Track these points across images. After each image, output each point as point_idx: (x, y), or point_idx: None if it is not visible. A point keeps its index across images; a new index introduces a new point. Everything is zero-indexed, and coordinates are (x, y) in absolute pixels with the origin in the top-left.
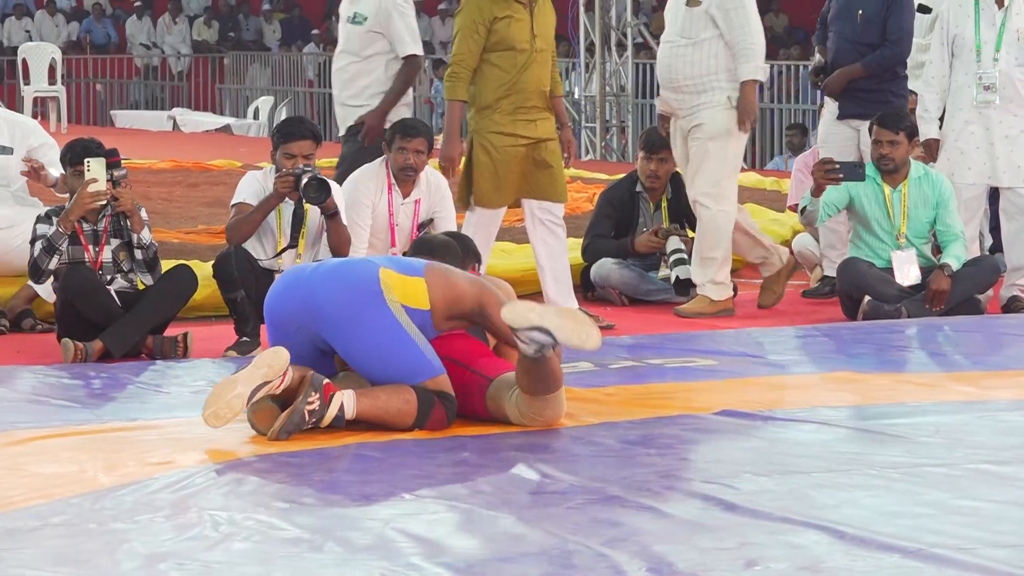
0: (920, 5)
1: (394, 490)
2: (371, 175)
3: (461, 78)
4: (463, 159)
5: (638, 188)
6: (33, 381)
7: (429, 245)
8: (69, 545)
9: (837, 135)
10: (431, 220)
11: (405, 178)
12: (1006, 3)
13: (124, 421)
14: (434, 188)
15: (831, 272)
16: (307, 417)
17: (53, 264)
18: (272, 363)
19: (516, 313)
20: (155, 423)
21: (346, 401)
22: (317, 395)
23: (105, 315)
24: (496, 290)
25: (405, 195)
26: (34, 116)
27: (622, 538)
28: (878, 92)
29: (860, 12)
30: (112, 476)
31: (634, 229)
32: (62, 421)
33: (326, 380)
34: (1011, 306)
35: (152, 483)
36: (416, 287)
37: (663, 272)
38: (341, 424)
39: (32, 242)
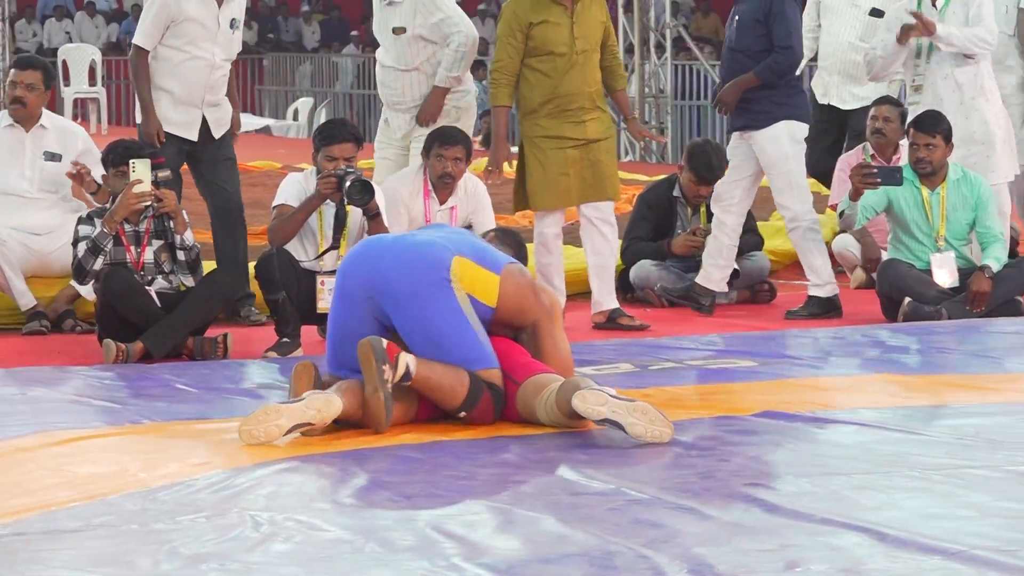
0: (873, 9)
1: (435, 491)
2: (406, 181)
3: (502, 84)
4: (515, 163)
5: (676, 192)
6: (74, 382)
7: (516, 238)
8: (110, 546)
9: (737, 149)
10: (469, 226)
11: (443, 186)
12: (939, 5)
13: (165, 421)
14: (471, 195)
15: (816, 292)
16: (389, 389)
17: (98, 264)
18: (323, 410)
19: (588, 405)
20: (196, 424)
21: (410, 363)
22: (388, 367)
23: (145, 317)
24: (557, 312)
25: (442, 202)
26: (74, 118)
27: (663, 539)
28: (755, 101)
29: (736, 19)
30: (153, 476)
31: (672, 232)
32: (103, 422)
33: (386, 343)
34: None
35: (193, 484)
36: (489, 282)
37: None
38: (407, 381)
39: (74, 243)
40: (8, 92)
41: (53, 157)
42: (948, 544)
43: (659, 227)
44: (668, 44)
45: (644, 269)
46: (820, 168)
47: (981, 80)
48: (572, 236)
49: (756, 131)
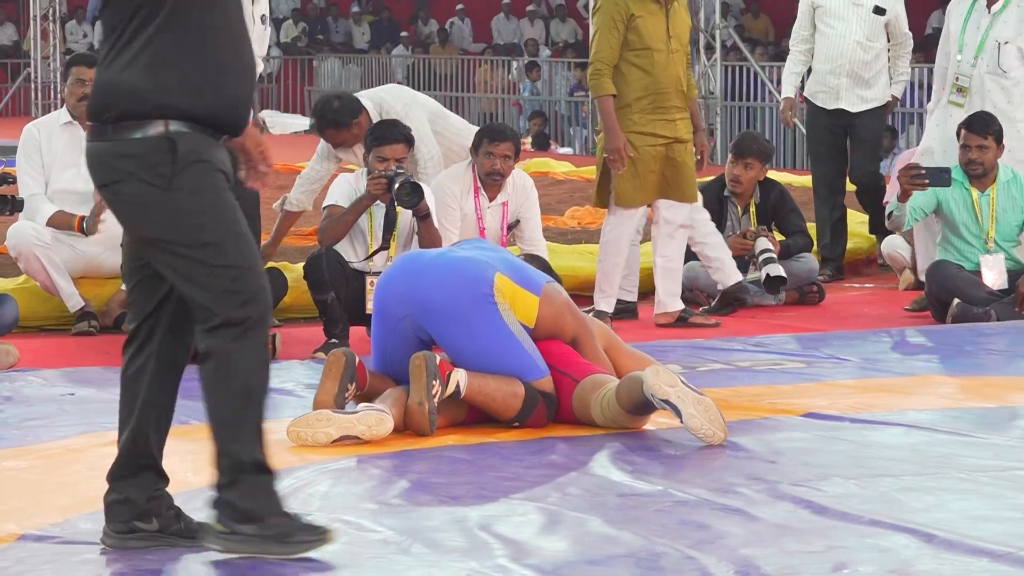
0: (876, 7)
1: (482, 492)
2: (456, 178)
3: (604, 74)
4: (600, 159)
5: (726, 192)
6: None
7: (542, 263)
8: (159, 546)
9: None
10: (517, 222)
11: (492, 183)
12: (994, 9)
13: None
14: (520, 189)
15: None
16: (435, 404)
17: None
18: (374, 427)
19: (659, 381)
20: None
21: (461, 379)
22: (438, 382)
23: None
24: (591, 327)
25: (492, 198)
26: None
27: (710, 541)
28: None
29: None
30: (200, 477)
31: (722, 231)
32: None
33: (439, 359)
34: None
35: None
36: (528, 302)
37: (752, 274)
38: (457, 398)
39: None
40: (73, 90)
41: None
42: (996, 546)
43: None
44: (718, 45)
45: (693, 270)
46: (836, 174)
47: None
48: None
49: None
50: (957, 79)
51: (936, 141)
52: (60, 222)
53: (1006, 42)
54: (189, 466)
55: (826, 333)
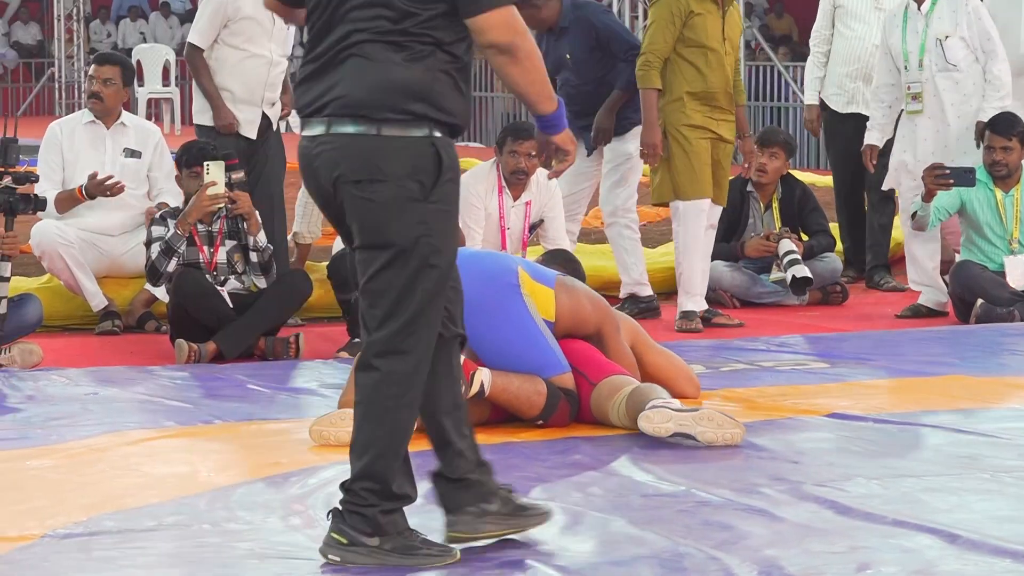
0: None
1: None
2: (481, 177)
3: (654, 66)
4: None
5: (748, 188)
6: (146, 382)
7: (562, 256)
8: (182, 546)
9: (586, 164)
10: (541, 221)
11: (516, 181)
12: (924, 9)
13: (236, 422)
14: (543, 188)
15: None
16: None
17: (172, 266)
18: None
19: (654, 425)
20: (267, 424)
21: (484, 379)
22: (461, 382)
23: (216, 318)
24: (616, 318)
25: (515, 197)
26: (148, 118)
27: (733, 541)
28: (619, 111)
29: (569, 58)
30: (225, 476)
31: (743, 229)
32: (175, 422)
33: (463, 358)
34: None
35: (264, 483)
36: (545, 296)
37: (775, 275)
38: (481, 397)
39: (147, 244)
40: (87, 88)
41: (133, 154)
42: (1019, 546)
43: (731, 224)
44: (742, 46)
45: (716, 270)
46: (853, 177)
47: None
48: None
49: (617, 136)
50: (909, 88)
51: (907, 154)
52: (65, 200)
53: (947, 37)
54: (212, 465)
55: (849, 333)
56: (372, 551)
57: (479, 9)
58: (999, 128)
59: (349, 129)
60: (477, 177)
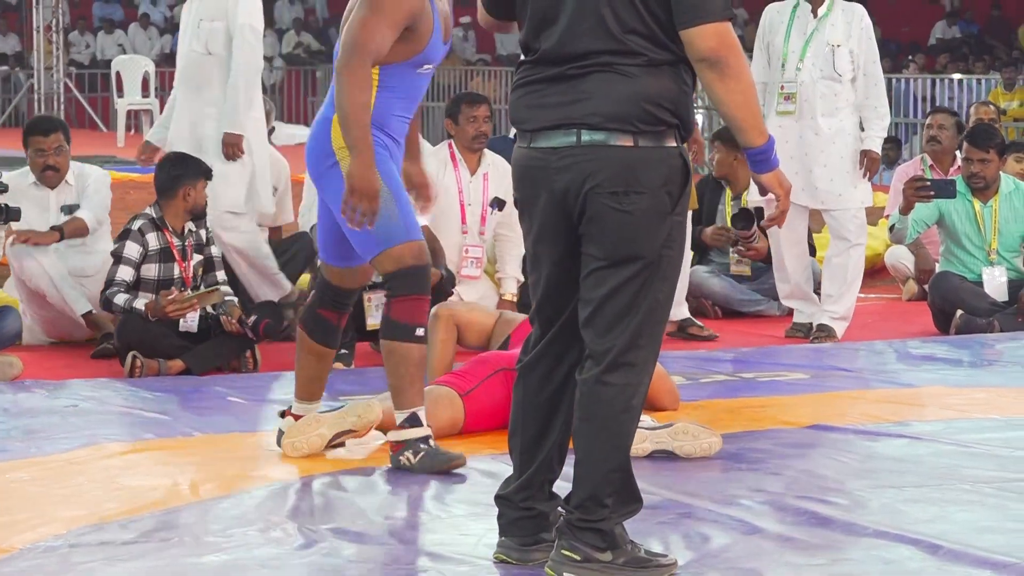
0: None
1: (483, 507)
2: (433, 153)
3: None
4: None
5: (722, 182)
6: (125, 394)
7: None
8: (162, 558)
9: None
10: (504, 203)
11: (477, 147)
12: (820, 13)
13: (216, 434)
14: (500, 168)
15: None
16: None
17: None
18: (363, 416)
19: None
20: (247, 436)
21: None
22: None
23: (167, 352)
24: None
25: (472, 171)
26: (127, 129)
27: (714, 553)
28: None
29: None
30: (204, 489)
31: (711, 218)
32: (154, 434)
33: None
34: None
35: (244, 496)
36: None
37: (735, 267)
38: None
39: (115, 256)
40: (34, 160)
41: (71, 210)
42: (1000, 556)
43: (699, 212)
44: None
45: (698, 276)
46: None
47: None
48: None
49: None
50: (783, 88)
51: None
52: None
53: (838, 45)
54: (191, 477)
55: (830, 344)
56: (605, 567)
57: (693, 21)
58: (977, 141)
59: (606, 140)
60: (428, 153)
